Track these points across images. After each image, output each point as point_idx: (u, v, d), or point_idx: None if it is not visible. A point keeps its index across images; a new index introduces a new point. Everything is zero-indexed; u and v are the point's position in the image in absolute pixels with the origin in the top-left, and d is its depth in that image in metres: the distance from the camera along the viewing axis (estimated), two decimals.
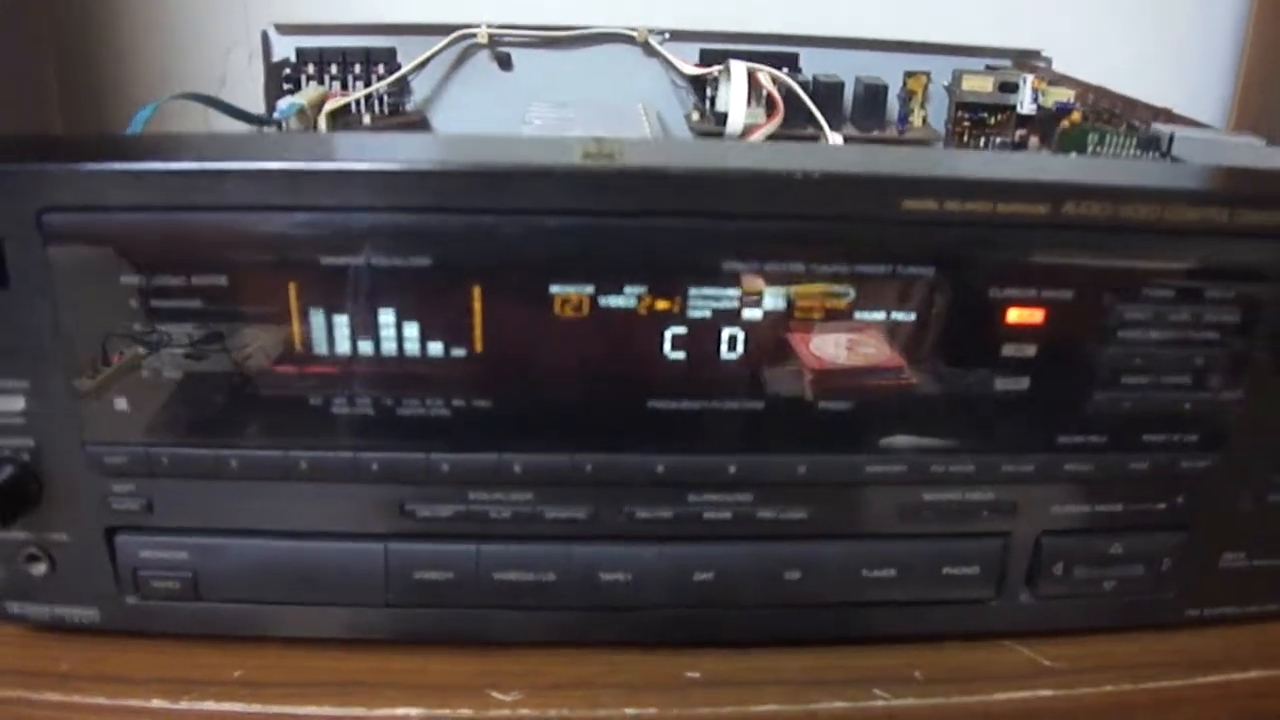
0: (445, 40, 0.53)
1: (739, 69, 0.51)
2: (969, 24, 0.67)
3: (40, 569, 0.28)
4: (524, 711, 0.29)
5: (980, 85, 0.55)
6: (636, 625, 0.29)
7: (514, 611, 0.29)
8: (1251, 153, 0.37)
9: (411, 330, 0.25)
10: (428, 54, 0.53)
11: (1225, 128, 0.67)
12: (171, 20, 0.65)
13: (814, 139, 0.52)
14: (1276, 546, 0.31)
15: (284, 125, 0.48)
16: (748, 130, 0.51)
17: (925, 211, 0.25)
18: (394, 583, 0.28)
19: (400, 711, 0.28)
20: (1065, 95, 0.51)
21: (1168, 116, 0.43)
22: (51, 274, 0.24)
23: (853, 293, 0.26)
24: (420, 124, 0.56)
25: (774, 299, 0.26)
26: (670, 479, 0.27)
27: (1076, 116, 0.50)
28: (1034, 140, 0.54)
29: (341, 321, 0.25)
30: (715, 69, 0.54)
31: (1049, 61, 0.57)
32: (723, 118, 0.53)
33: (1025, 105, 0.54)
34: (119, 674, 0.29)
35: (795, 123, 0.52)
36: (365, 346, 0.25)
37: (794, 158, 0.27)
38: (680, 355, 0.26)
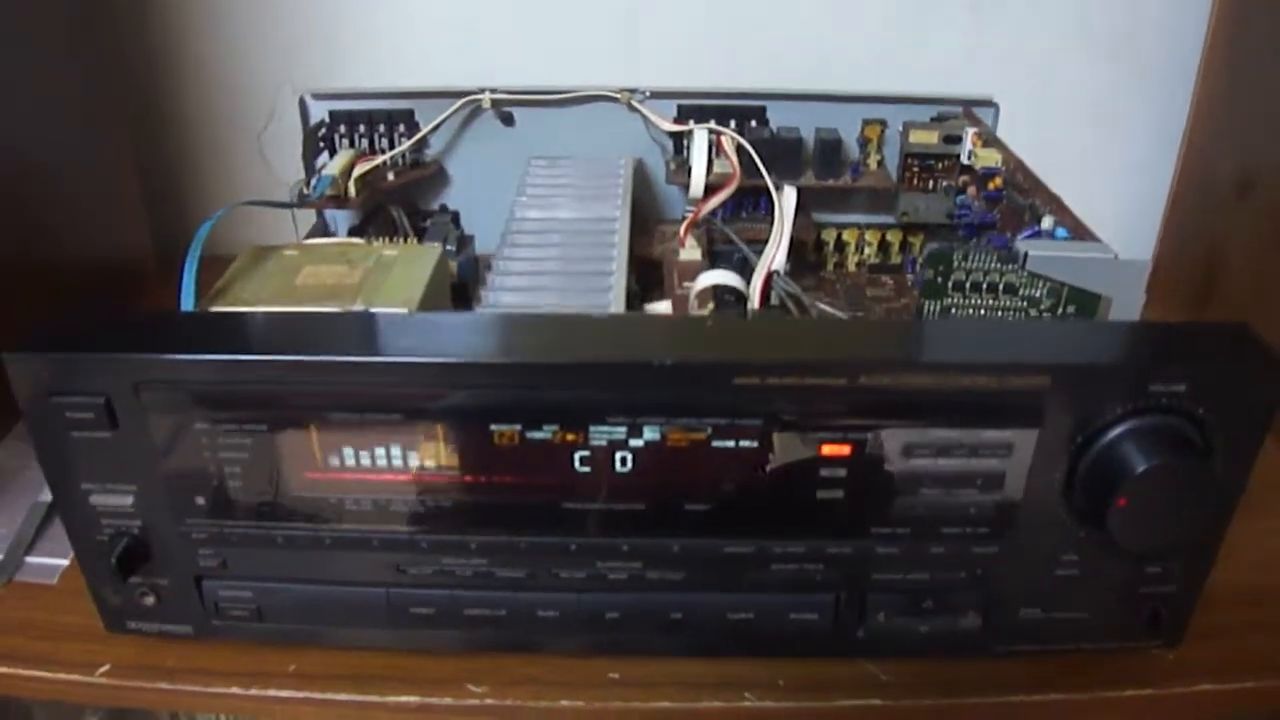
0: (455, 105, 0.62)
1: (700, 135, 0.59)
2: (933, 68, 0.73)
3: (150, 600, 0.40)
4: (489, 701, 0.40)
5: (927, 137, 0.61)
6: (568, 643, 0.41)
7: (479, 631, 0.40)
8: (1098, 267, 0.44)
9: (399, 456, 0.36)
10: (441, 117, 0.62)
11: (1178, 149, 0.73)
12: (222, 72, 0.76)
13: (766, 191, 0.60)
14: (1066, 604, 0.40)
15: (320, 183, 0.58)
16: (711, 187, 0.60)
17: (752, 385, 0.34)
18: (395, 614, 0.40)
19: (403, 699, 0.40)
20: (995, 159, 0.57)
21: (1057, 206, 0.50)
22: (146, 421, 0.35)
23: (709, 429, 0.36)
24: (437, 173, 0.65)
25: (651, 432, 0.36)
26: (582, 552, 0.38)
27: (999, 182, 0.57)
28: (972, 190, 0.61)
29: (349, 451, 0.36)
30: (691, 125, 0.62)
31: (997, 109, 0.63)
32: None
33: (966, 155, 0.61)
34: (207, 669, 0.41)
35: (755, 175, 0.60)
36: (367, 464, 0.36)
37: (664, 338, 0.36)
38: (586, 469, 0.36)
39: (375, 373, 0.34)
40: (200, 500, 0.37)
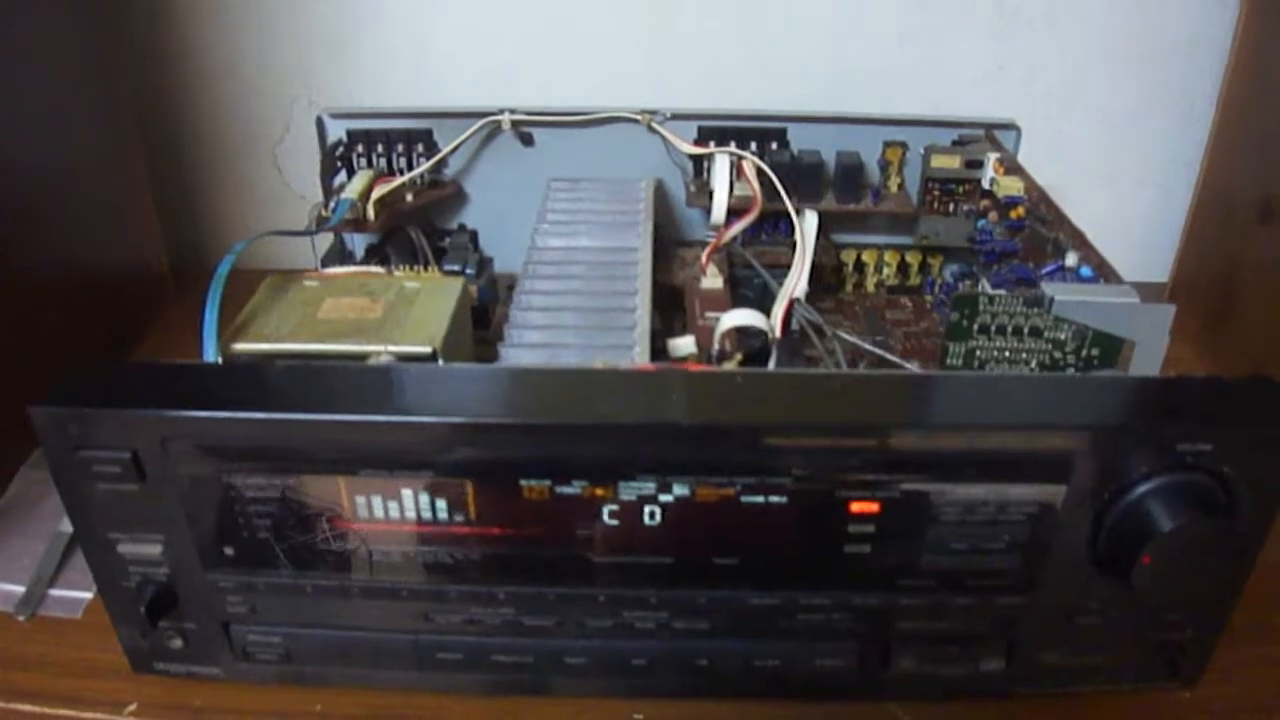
0: (475, 126, 0.62)
1: (722, 160, 0.59)
2: (953, 86, 0.73)
3: (178, 644, 0.40)
4: None
5: (948, 162, 0.61)
6: (593, 686, 0.41)
7: (505, 675, 0.40)
8: (1123, 311, 0.44)
9: (428, 508, 0.36)
10: (461, 138, 0.62)
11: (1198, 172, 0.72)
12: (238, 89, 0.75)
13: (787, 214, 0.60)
14: (1084, 649, 0.40)
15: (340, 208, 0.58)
16: (732, 211, 0.59)
17: (782, 445, 0.34)
18: (422, 659, 0.40)
19: None
20: (1017, 187, 0.57)
21: (1081, 242, 0.50)
22: (174, 473, 0.35)
23: (738, 486, 0.36)
24: (456, 194, 0.65)
25: (680, 488, 0.36)
26: (610, 603, 0.38)
27: (1022, 211, 0.57)
28: (993, 215, 0.61)
29: (378, 502, 0.36)
30: (711, 146, 0.61)
31: (1019, 132, 0.62)
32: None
33: (988, 181, 0.60)
34: (235, 708, 0.41)
35: (776, 198, 0.60)
36: (396, 516, 0.36)
37: (693, 396, 0.36)
38: (615, 523, 0.36)
39: (404, 432, 0.34)
40: (228, 550, 0.37)
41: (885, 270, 0.67)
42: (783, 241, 0.63)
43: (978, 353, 0.46)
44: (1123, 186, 0.78)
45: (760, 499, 0.36)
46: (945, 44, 0.73)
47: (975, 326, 0.45)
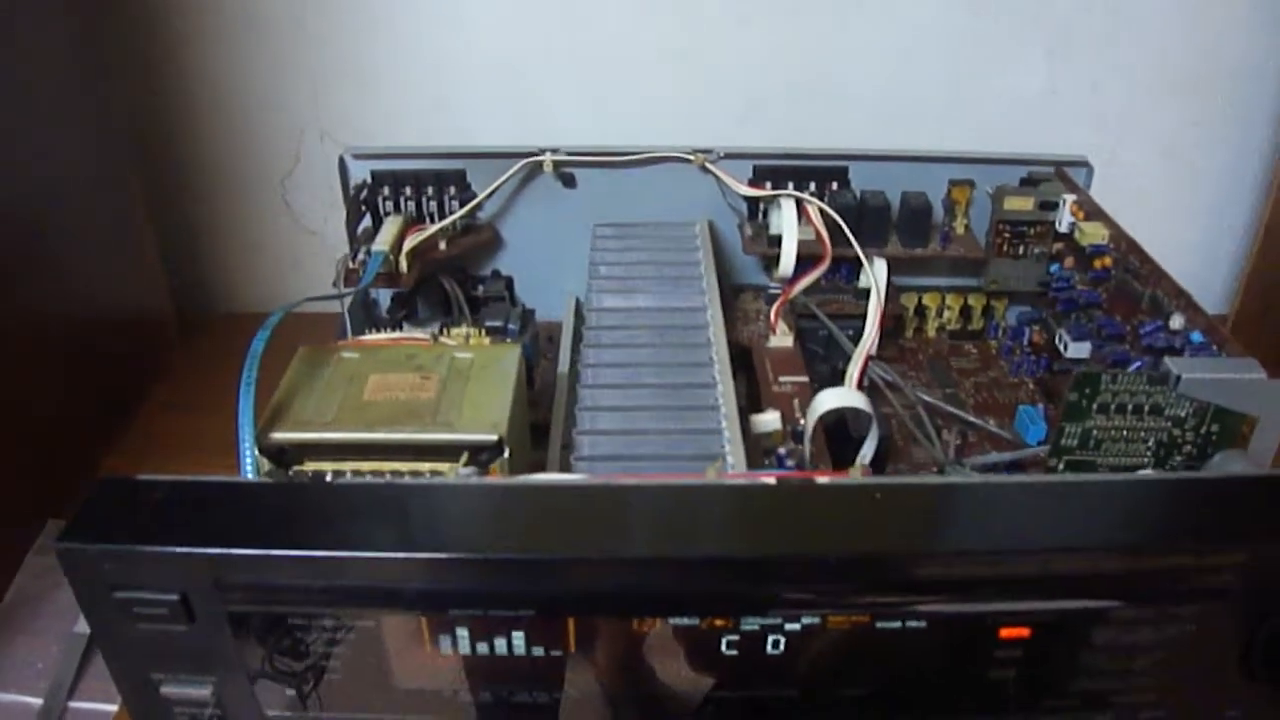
0: (515, 167, 0.57)
1: (789, 206, 0.55)
2: (1008, 112, 0.69)
3: None
4: None
5: (1021, 205, 0.57)
6: None
7: None
8: (1249, 387, 0.40)
9: (521, 645, 0.32)
10: (500, 180, 0.57)
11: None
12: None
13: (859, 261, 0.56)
14: None
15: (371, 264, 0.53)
16: (801, 266, 0.55)
17: (930, 575, 0.30)
18: None
19: None
20: (1101, 235, 0.53)
21: (1186, 303, 0.46)
22: (229, 612, 0.31)
23: (874, 612, 0.32)
24: (493, 239, 0.60)
25: (809, 617, 0.32)
26: None
27: (1109, 261, 0.53)
28: (1069, 261, 0.57)
29: (464, 637, 0.31)
30: (767, 187, 0.57)
31: (1090, 169, 0.59)
32: (775, 240, 0.57)
33: (1063, 224, 0.57)
34: None
35: (841, 243, 0.56)
36: (485, 652, 0.32)
37: (826, 517, 0.32)
38: (734, 653, 0.32)
39: (493, 570, 0.30)
40: (290, 692, 0.33)
41: (946, 314, 0.63)
42: (843, 288, 0.59)
43: (1094, 432, 0.42)
44: (1178, 215, 0.75)
45: (898, 624, 0.32)
46: (996, 70, 0.69)
47: (1094, 406, 0.41)
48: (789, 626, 0.32)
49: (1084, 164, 0.59)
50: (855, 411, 0.45)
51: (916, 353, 0.62)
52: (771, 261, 0.59)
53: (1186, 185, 0.74)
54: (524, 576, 0.30)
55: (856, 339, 0.57)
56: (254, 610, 0.31)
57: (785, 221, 0.54)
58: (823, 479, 0.33)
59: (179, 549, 0.30)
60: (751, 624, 0.32)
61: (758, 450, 0.43)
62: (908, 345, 0.62)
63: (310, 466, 0.40)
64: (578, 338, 0.58)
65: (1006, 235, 0.58)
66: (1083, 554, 0.31)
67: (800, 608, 0.31)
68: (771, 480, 0.33)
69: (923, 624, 0.32)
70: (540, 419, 0.51)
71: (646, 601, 0.31)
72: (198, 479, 0.33)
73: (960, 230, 0.60)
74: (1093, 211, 0.55)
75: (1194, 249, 0.76)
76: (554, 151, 0.57)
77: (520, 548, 0.30)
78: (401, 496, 0.32)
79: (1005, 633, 0.32)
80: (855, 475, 0.37)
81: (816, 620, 0.32)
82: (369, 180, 0.58)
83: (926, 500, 0.33)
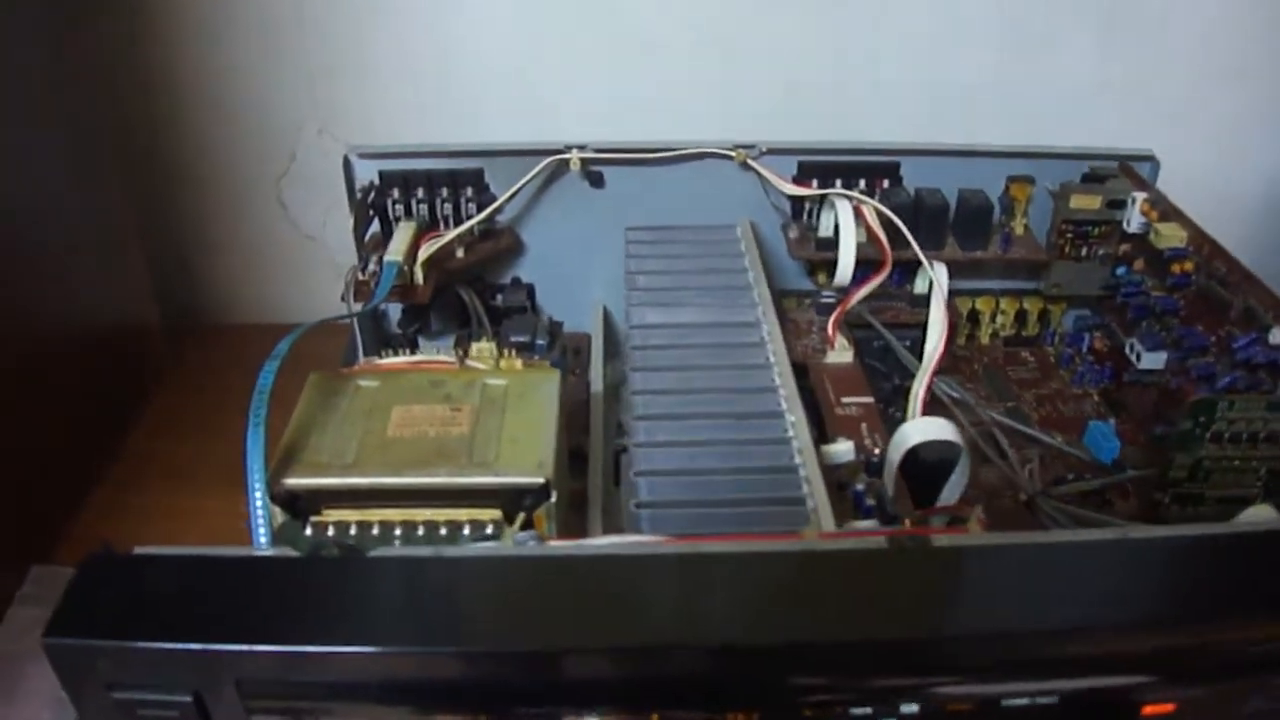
0: (539, 166, 0.52)
1: (845, 209, 0.50)
2: (1059, 101, 0.65)
3: None
4: None
5: (1088, 203, 0.53)
6: None
7: None
8: None
9: None
10: (523, 181, 0.52)
11: None
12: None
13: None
14: None
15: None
16: (860, 276, 0.51)
17: (1054, 655, 0.26)
18: None
19: None
20: (1179, 238, 0.49)
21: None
22: (249, 712, 0.26)
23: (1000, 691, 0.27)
24: (513, 244, 0.55)
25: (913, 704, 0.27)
26: None
27: (1189, 265, 0.49)
28: (1139, 264, 0.53)
29: None
30: (814, 185, 0.53)
31: (1157, 164, 0.54)
32: (824, 243, 0.52)
33: (1133, 224, 0.52)
34: None
35: (899, 246, 0.51)
36: None
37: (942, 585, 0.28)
38: None
39: (558, 663, 0.25)
40: None
41: (1000, 319, 0.59)
42: (894, 294, 0.55)
43: (1204, 462, 0.38)
44: (1231, 206, 0.71)
45: (1026, 701, 0.28)
46: (1048, 55, 0.64)
47: (1208, 434, 0.37)
48: (905, 709, 0.28)
49: (1149, 158, 0.55)
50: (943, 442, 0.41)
51: (971, 362, 0.57)
52: (818, 266, 0.55)
53: (1241, 175, 0.70)
54: (590, 668, 0.26)
55: (912, 349, 0.52)
56: (282, 710, 0.26)
57: (843, 223, 0.49)
58: (940, 539, 0.29)
59: (192, 645, 0.25)
60: (863, 711, 0.27)
61: (832, 487, 0.38)
62: (961, 354, 0.58)
63: (331, 516, 0.36)
64: (608, 351, 0.53)
65: (1069, 236, 0.54)
66: (1242, 622, 0.27)
67: (920, 694, 0.27)
68: (882, 542, 0.28)
69: (1053, 699, 0.28)
70: (573, 442, 0.47)
71: (745, 693, 0.26)
72: (205, 553, 0.28)
73: (1019, 230, 0.55)
74: (1167, 211, 0.51)
75: (1247, 243, 0.72)
76: (581, 148, 0.52)
77: (588, 633, 0.26)
78: (451, 574, 0.28)
79: (1149, 709, 0.28)
80: (974, 529, 0.33)
81: (934, 707, 0.27)
82: (377, 181, 0.52)
83: (1048, 558, 0.29)
